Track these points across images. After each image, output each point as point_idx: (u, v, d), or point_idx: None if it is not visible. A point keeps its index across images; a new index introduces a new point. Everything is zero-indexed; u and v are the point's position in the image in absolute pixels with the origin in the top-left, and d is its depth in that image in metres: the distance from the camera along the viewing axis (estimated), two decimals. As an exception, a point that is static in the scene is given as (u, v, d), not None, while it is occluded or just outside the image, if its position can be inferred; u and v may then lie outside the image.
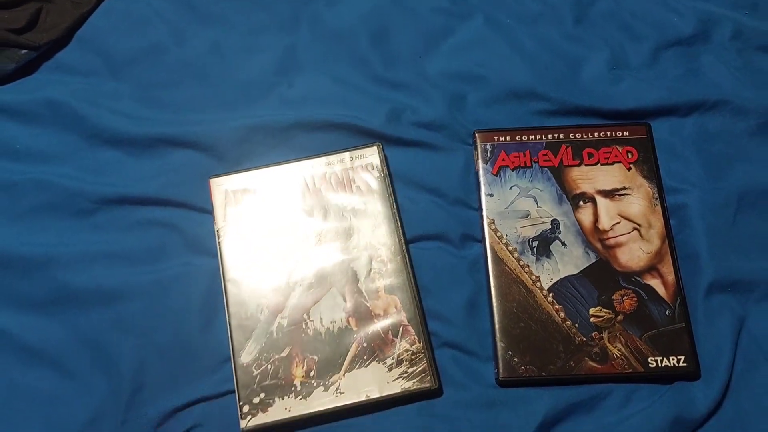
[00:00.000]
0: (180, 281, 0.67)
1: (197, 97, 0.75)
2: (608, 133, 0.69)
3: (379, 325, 0.63)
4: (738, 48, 0.75)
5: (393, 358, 0.62)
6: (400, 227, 0.67)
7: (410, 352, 0.62)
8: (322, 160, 0.70)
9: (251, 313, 0.64)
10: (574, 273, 0.64)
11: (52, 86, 0.75)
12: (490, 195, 0.68)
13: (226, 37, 0.79)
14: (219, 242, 0.67)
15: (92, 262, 0.67)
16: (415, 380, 0.61)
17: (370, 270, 0.65)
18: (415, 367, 0.61)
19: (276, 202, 0.68)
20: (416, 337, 0.62)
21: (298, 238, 0.67)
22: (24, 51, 0.75)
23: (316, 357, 0.62)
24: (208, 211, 0.69)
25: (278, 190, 0.69)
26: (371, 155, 0.70)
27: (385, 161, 0.69)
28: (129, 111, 0.74)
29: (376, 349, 0.62)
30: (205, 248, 0.68)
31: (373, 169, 0.69)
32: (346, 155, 0.70)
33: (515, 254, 0.65)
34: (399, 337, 0.63)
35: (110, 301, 0.66)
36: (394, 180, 0.70)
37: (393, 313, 0.63)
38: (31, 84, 0.76)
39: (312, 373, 0.61)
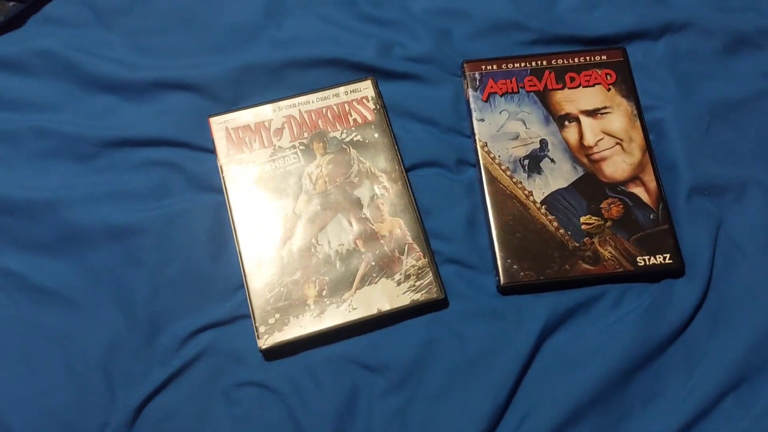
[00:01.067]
0: (186, 216, 0.69)
1: (188, 42, 0.77)
2: (587, 57, 0.73)
3: (385, 245, 0.66)
4: (702, -25, 0.80)
5: (401, 274, 0.65)
6: (398, 155, 0.70)
7: (416, 267, 0.65)
8: (318, 95, 0.72)
9: (260, 240, 0.66)
10: (564, 186, 0.68)
11: (42, 37, 0.75)
12: (482, 120, 0.71)
13: (212, -18, 0.80)
14: (223, 177, 0.69)
15: (98, 203, 0.69)
16: (422, 292, 0.64)
17: (373, 196, 0.68)
18: (422, 281, 0.65)
19: (275, 137, 0.70)
20: (421, 254, 0.66)
21: (300, 170, 0.69)
22: (12, 3, 0.75)
23: (327, 278, 0.65)
24: (207, 149, 0.71)
25: (276, 126, 0.71)
26: (365, 88, 0.72)
27: (380, 94, 0.72)
28: (122, 58, 0.75)
29: (384, 267, 0.65)
30: (208, 185, 0.70)
31: (368, 101, 0.72)
32: (341, 89, 0.72)
33: (508, 173, 0.69)
34: (405, 254, 0.66)
35: (118, 237, 0.67)
36: (389, 112, 0.73)
37: (398, 234, 0.67)
38: (21, 36, 0.76)
39: (324, 292, 0.64)
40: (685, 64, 0.75)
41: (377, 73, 0.74)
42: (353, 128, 0.71)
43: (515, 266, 0.65)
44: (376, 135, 0.70)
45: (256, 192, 0.68)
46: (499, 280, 0.65)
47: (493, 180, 0.69)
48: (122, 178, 0.70)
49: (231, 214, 0.67)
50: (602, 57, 0.73)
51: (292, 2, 0.79)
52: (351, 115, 0.71)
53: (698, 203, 0.68)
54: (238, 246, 0.66)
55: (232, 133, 0.70)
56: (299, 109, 0.71)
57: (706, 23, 0.75)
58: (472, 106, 0.72)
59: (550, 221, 0.67)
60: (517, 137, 0.70)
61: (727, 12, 0.77)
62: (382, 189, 0.68)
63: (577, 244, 0.66)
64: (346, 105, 0.72)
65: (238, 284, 0.66)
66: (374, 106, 0.71)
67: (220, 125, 0.71)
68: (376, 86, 0.72)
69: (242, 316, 0.65)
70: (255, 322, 0.63)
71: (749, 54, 0.75)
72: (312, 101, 0.72)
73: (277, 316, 0.63)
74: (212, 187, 0.70)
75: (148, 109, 0.73)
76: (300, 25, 0.77)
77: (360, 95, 0.72)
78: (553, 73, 0.73)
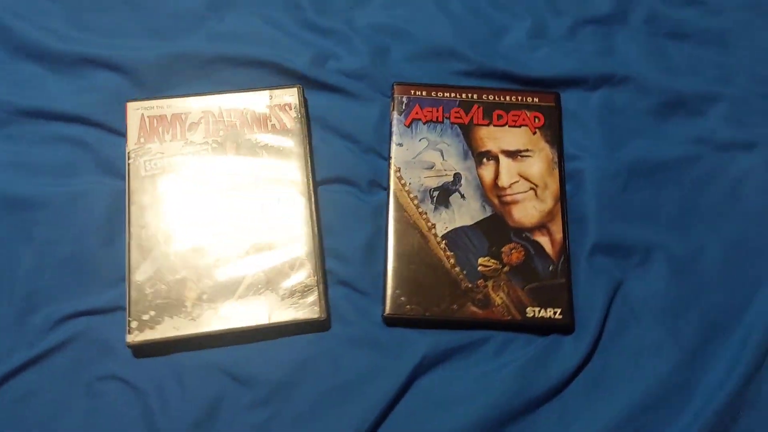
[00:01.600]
0: (86, 197, 0.68)
1: (127, 23, 0.76)
2: (519, 98, 0.72)
3: (277, 257, 0.65)
4: (650, 32, 0.78)
5: (287, 289, 0.64)
6: (310, 167, 0.69)
7: (303, 285, 0.64)
8: (241, 95, 0.71)
9: (151, 234, 0.65)
10: (469, 224, 0.67)
11: (-21, -5, 0.74)
12: (400, 144, 0.70)
13: (163, -33, 0.79)
14: (128, 164, 0.68)
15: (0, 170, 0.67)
16: (304, 310, 0.63)
17: (275, 204, 0.67)
18: (306, 299, 0.64)
19: (189, 131, 0.69)
20: (312, 271, 0.64)
21: (209, 168, 0.68)
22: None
23: (211, 282, 0.64)
24: (122, 134, 0.70)
25: (193, 120, 0.70)
26: (291, 96, 0.71)
27: (305, 104, 0.71)
28: (57, 28, 0.74)
29: (271, 279, 0.64)
30: (115, 169, 0.69)
31: (291, 109, 0.71)
32: (266, 93, 0.71)
33: (415, 201, 0.67)
34: (295, 269, 0.65)
35: (13, 208, 0.66)
36: (312, 123, 0.72)
37: (293, 247, 0.65)
38: (-44, -8, 0.75)
39: (205, 296, 0.63)
40: (617, 118, 0.73)
41: (308, 83, 0.73)
42: (270, 134, 0.70)
43: (403, 298, 0.64)
44: (292, 144, 0.69)
45: (157, 184, 0.67)
46: (384, 310, 0.64)
47: (399, 207, 0.67)
48: (30, 150, 0.69)
49: (127, 203, 0.66)
50: (534, 99, 0.72)
51: (239, -2, 0.78)
52: (271, 120, 0.70)
53: (600, 261, 0.67)
54: (128, 236, 0.65)
55: (147, 122, 0.69)
56: (219, 107, 0.70)
57: (645, 81, 0.74)
58: (394, 129, 0.71)
59: (448, 257, 0.65)
60: (432, 167, 0.69)
61: (670, 73, 0.75)
62: (287, 199, 0.67)
63: (470, 285, 0.64)
64: (267, 109, 0.71)
65: (123, 275, 0.64)
66: (296, 115, 0.70)
67: (137, 111, 0.70)
68: (301, 95, 0.71)
69: (121, 308, 0.64)
70: (128, 316, 0.62)
71: (683, 118, 0.74)
72: (234, 100, 0.71)
73: (152, 313, 0.62)
74: (119, 173, 0.69)
75: (71, 84, 0.72)
76: (241, 22, 0.76)
77: (284, 102, 0.71)
78: (481, 108, 0.71)
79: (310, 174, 0.68)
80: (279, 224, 0.66)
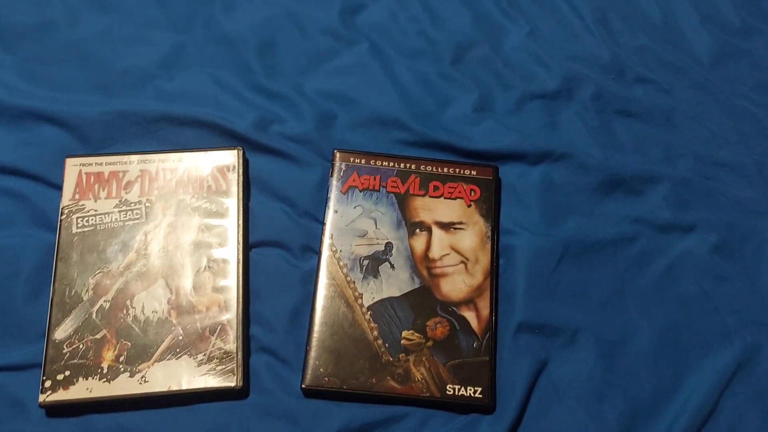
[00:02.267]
0: (15, 249, 0.68)
1: (77, 78, 0.77)
2: (457, 170, 0.72)
3: (198, 321, 0.64)
4: (597, 109, 0.79)
5: (205, 354, 0.63)
6: (243, 231, 0.69)
7: (223, 351, 0.63)
8: (179, 155, 0.72)
9: (75, 291, 0.65)
10: (396, 295, 0.66)
11: (-66, 45, 0.76)
12: (336, 211, 0.70)
13: (119, 25, 0.81)
14: (60, 219, 0.68)
15: (-68, 219, 0.68)
16: (221, 378, 0.62)
17: (204, 267, 0.66)
18: (224, 366, 0.63)
19: (125, 189, 0.70)
20: (233, 337, 0.64)
21: (140, 226, 0.68)
22: None
23: (129, 343, 0.63)
24: (60, 188, 0.70)
25: (130, 178, 0.70)
26: (230, 158, 0.72)
27: (244, 165, 0.71)
28: (7, 81, 0.76)
29: (190, 344, 0.63)
30: (49, 223, 0.69)
31: (229, 171, 0.71)
32: (205, 154, 0.72)
33: (345, 270, 0.67)
34: (216, 335, 0.64)
35: (-61, 259, 0.66)
36: (251, 185, 0.72)
37: (215, 311, 0.65)
38: None
39: (122, 359, 0.62)
40: (556, 195, 0.73)
41: (251, 145, 0.73)
42: (205, 195, 0.70)
43: (322, 369, 0.63)
44: (227, 206, 0.70)
45: (86, 241, 0.67)
46: (302, 380, 0.63)
47: (328, 274, 0.67)
48: (-34, 201, 0.69)
49: (55, 259, 0.66)
50: (471, 172, 0.72)
51: (193, 58, 0.80)
52: (207, 182, 0.71)
53: (526, 340, 0.66)
54: (52, 293, 0.65)
55: (84, 178, 0.70)
56: (157, 166, 0.71)
57: (586, 158, 0.74)
58: (331, 195, 0.71)
59: (371, 329, 0.65)
60: (364, 235, 0.69)
61: (613, 151, 0.76)
62: (215, 262, 0.67)
63: (391, 359, 0.63)
64: (205, 170, 0.71)
65: (44, 331, 0.64)
66: (233, 177, 0.71)
67: (75, 167, 0.70)
68: (241, 157, 0.72)
69: (38, 365, 0.63)
70: (43, 375, 0.61)
71: (622, 197, 0.73)
72: (172, 160, 0.71)
73: (68, 373, 0.61)
74: (52, 227, 0.69)
75: (15, 137, 0.73)
76: (189, 82, 0.77)
77: (222, 164, 0.71)
78: (418, 179, 0.71)
79: (242, 238, 0.68)
80: (205, 287, 0.65)
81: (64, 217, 0.68)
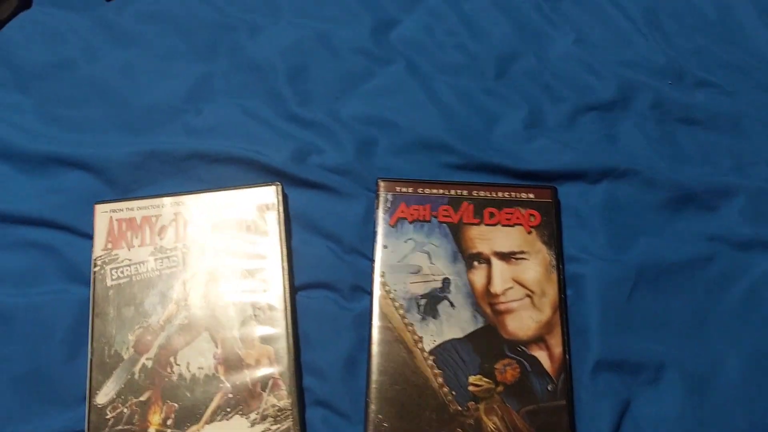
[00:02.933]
0: (49, 308, 0.63)
1: (100, 118, 0.72)
2: (512, 193, 0.67)
3: (248, 376, 0.59)
4: (657, 118, 0.73)
5: (258, 413, 0.58)
6: (288, 274, 0.63)
7: (277, 408, 0.58)
8: (217, 195, 0.67)
9: (115, 350, 0.60)
10: (459, 336, 0.61)
11: (-51, 92, 0.72)
12: (385, 247, 0.65)
13: (139, 59, 0.76)
14: (94, 272, 0.63)
15: (-40, 281, 0.63)
16: (276, 438, 0.57)
17: (250, 316, 0.62)
18: (279, 425, 0.58)
19: (160, 235, 0.65)
20: (286, 392, 0.59)
21: (178, 274, 0.64)
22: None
23: (176, 404, 0.58)
24: (91, 236, 0.66)
25: (163, 223, 0.66)
26: (269, 195, 0.67)
27: (284, 202, 0.66)
28: (28, 126, 0.71)
29: (241, 402, 0.58)
30: (83, 276, 0.65)
31: (268, 210, 0.66)
32: (241, 193, 0.67)
33: (401, 311, 0.62)
34: (268, 390, 0.59)
35: (-30, 323, 0.62)
36: (291, 221, 0.67)
37: (265, 364, 0.60)
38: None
39: (169, 422, 0.58)
40: (622, 215, 0.67)
41: (288, 179, 0.69)
42: (244, 236, 0.65)
43: (386, 424, 0.58)
44: (269, 248, 0.64)
45: (123, 294, 0.62)
46: (365, 437, 0.58)
47: (383, 317, 0.62)
48: (-7, 256, 0.65)
49: (91, 315, 0.62)
50: (529, 195, 0.67)
51: (220, 88, 0.75)
52: (246, 222, 0.66)
53: (605, 379, 0.60)
54: (90, 353, 0.60)
55: (116, 225, 0.65)
56: (191, 208, 0.66)
57: (652, 173, 0.68)
58: (378, 229, 0.65)
59: (435, 376, 0.59)
60: (418, 271, 0.63)
61: (679, 163, 0.70)
62: (260, 309, 0.62)
63: (460, 408, 0.58)
64: (242, 210, 0.66)
65: (84, 394, 0.59)
66: (274, 216, 0.66)
67: (105, 214, 0.66)
68: (281, 193, 0.67)
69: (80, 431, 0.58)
70: None
71: (695, 214, 0.68)
72: (206, 201, 0.66)
73: None
74: (86, 280, 0.64)
75: (40, 184, 0.69)
76: (219, 115, 0.73)
77: (262, 201, 0.66)
78: (471, 206, 0.66)
79: (288, 281, 0.63)
80: (252, 338, 0.60)
81: (97, 269, 0.63)
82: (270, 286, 0.63)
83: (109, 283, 0.63)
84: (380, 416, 0.58)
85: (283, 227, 0.65)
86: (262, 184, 0.67)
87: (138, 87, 0.75)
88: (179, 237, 0.65)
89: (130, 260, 0.64)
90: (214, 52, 0.77)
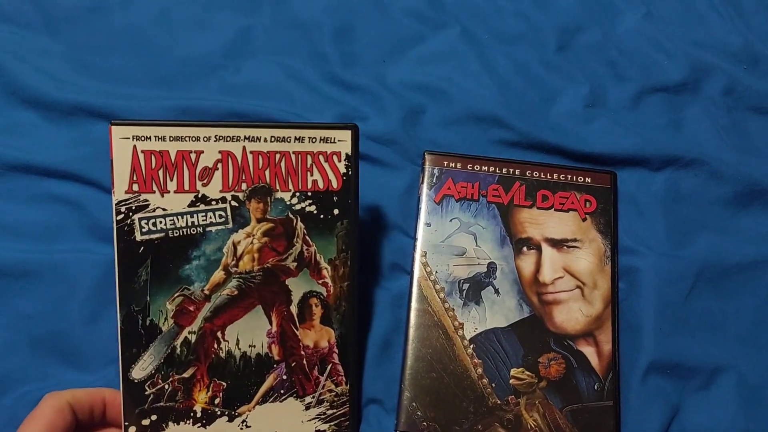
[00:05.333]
0: (72, 267, 0.60)
1: (132, 68, 0.69)
2: (569, 176, 0.62)
3: (305, 358, 0.55)
4: (729, 105, 0.68)
5: (314, 397, 0.54)
6: (356, 246, 0.54)
7: (334, 393, 0.55)
8: (275, 132, 0.52)
9: (151, 321, 0.53)
10: (503, 326, 0.57)
11: (-22, 31, 0.68)
12: (428, 225, 0.61)
13: (177, 7, 0.72)
14: (115, 221, 0.51)
15: (-19, 233, 0.60)
16: (331, 424, 0.54)
17: (310, 292, 0.54)
18: (335, 410, 0.55)
19: (201, 180, 0.52)
20: (344, 378, 0.55)
21: (224, 235, 0.53)
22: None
23: (224, 383, 0.54)
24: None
25: (207, 163, 0.52)
26: (342, 141, 0.53)
27: (357, 153, 0.54)
28: (57, 72, 0.68)
29: (296, 384, 0.54)
30: (107, 234, 0.61)
31: (340, 160, 0.53)
32: (309, 133, 0.53)
33: (441, 294, 0.58)
34: (325, 375, 0.55)
35: (-11, 276, 0.59)
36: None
37: (323, 347, 0.55)
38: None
39: (217, 401, 0.53)
40: (684, 208, 0.63)
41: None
42: (310, 193, 0.54)
43: (419, 412, 0.55)
44: (337, 211, 0.53)
45: (157, 254, 0.51)
46: (397, 424, 0.54)
47: (423, 299, 0.58)
48: (16, 209, 0.62)
49: (117, 275, 0.53)
50: (586, 179, 0.62)
51: (260, 44, 0.71)
52: (312, 174, 0.53)
53: (656, 382, 0.57)
54: (120, 321, 0.53)
55: (141, 159, 0.50)
56: (243, 146, 0.52)
57: (719, 165, 0.64)
58: (422, 206, 0.61)
59: (475, 365, 0.56)
60: (463, 254, 0.60)
61: (747, 155, 0.65)
62: (323, 286, 0.55)
63: (499, 402, 0.55)
64: (309, 157, 0.53)
65: (110, 357, 0.57)
66: (345, 170, 0.54)
67: (126, 141, 0.50)
68: (356, 140, 0.53)
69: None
70: (124, 421, 0.52)
71: (762, 211, 0.63)
72: (264, 138, 0.52)
73: (154, 417, 0.52)
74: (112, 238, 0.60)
75: (67, 135, 0.65)
76: (258, 72, 0.69)
77: (332, 148, 0.53)
78: (524, 186, 0.62)
79: (354, 253, 0.54)
80: (310, 318, 0.55)
81: (121, 217, 0.51)
82: (334, 259, 0.54)
83: (138, 237, 0.51)
84: (414, 404, 0.55)
85: (355, 186, 0.54)
86: (335, 125, 0.54)
87: (174, 37, 0.70)
88: (227, 185, 0.52)
89: (164, 210, 0.51)
90: (256, 5, 0.73)
